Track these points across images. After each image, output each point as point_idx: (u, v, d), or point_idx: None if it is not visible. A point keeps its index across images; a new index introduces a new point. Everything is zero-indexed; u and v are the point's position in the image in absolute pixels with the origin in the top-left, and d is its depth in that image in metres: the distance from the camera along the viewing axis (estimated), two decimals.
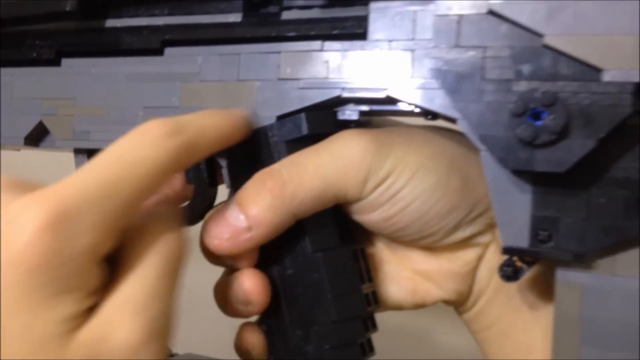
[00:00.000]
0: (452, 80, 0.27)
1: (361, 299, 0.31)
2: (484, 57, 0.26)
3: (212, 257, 0.32)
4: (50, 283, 0.23)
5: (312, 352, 0.31)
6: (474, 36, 0.27)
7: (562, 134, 0.25)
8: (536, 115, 0.25)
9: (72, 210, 0.23)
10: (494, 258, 0.33)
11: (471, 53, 0.27)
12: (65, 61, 0.36)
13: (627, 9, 0.24)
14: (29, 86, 0.36)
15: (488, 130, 0.26)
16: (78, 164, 0.37)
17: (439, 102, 0.28)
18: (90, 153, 0.37)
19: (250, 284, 0.31)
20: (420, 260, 0.34)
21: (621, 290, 0.27)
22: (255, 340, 0.32)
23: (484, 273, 0.33)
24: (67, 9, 0.33)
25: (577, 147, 0.25)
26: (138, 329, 0.24)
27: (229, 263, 0.32)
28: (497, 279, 0.33)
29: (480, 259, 0.33)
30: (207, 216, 0.35)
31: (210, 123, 0.28)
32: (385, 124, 0.34)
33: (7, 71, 0.37)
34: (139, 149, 0.26)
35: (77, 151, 0.37)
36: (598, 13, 0.24)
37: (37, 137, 0.37)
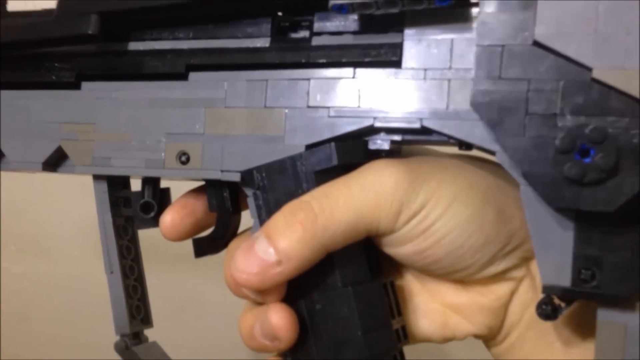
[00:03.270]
0: (494, 114, 0.26)
1: (392, 336, 0.30)
2: (528, 90, 0.25)
3: (238, 290, 0.31)
4: None
5: None
6: (518, 68, 0.26)
7: (612, 172, 0.24)
8: (584, 152, 0.24)
9: None
10: (527, 292, 0.32)
11: (515, 85, 0.26)
12: (85, 85, 0.35)
13: None
14: (47, 110, 0.35)
15: (532, 167, 0.25)
16: (97, 191, 0.36)
17: (477, 134, 0.27)
18: (111, 180, 0.36)
19: (278, 320, 0.30)
20: (451, 294, 0.33)
21: None
22: None
23: (516, 308, 0.32)
24: (90, 32, 0.32)
25: (627, 186, 0.24)
26: None
27: (255, 297, 0.31)
28: (529, 314, 0.32)
29: (513, 293, 0.32)
30: (230, 245, 0.34)
31: None
32: (415, 152, 0.33)
33: (24, 94, 0.36)
34: None
35: (97, 177, 0.36)
36: None
37: (55, 162, 0.36)
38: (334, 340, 0.30)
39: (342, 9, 0.28)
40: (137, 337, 0.36)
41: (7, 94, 0.36)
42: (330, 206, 0.29)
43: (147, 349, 0.36)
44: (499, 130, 0.26)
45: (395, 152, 0.32)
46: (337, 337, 0.30)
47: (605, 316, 0.26)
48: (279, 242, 0.29)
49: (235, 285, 0.31)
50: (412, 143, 0.32)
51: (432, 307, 0.33)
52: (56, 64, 0.35)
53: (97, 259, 0.81)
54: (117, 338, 0.36)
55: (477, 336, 0.33)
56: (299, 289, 0.31)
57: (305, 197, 0.30)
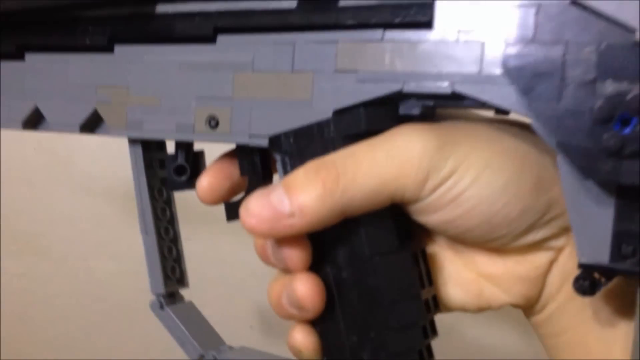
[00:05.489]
0: (527, 79, 0.24)
1: (421, 306, 0.30)
2: (564, 54, 0.23)
3: (264, 255, 0.31)
4: None
5: (368, 359, 0.30)
6: (554, 30, 0.24)
7: None
8: (624, 122, 0.22)
9: None
10: (567, 262, 0.30)
11: (550, 49, 0.24)
12: (118, 48, 0.35)
13: None
14: (83, 73, 0.36)
15: (567, 137, 0.24)
16: (132, 154, 0.36)
17: (513, 99, 0.26)
18: (145, 142, 0.36)
19: (304, 289, 0.29)
20: (486, 263, 0.31)
21: None
22: (308, 341, 0.31)
23: (555, 278, 0.31)
24: None
25: None
26: None
27: (276, 262, 0.30)
28: (570, 286, 0.30)
29: (552, 263, 0.30)
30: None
31: None
32: (451, 115, 0.32)
33: (62, 57, 0.36)
34: None
35: (132, 141, 0.36)
36: None
37: (92, 124, 0.36)
38: (361, 309, 0.30)
39: None
40: (173, 296, 0.37)
41: (46, 56, 0.37)
42: (354, 168, 0.28)
43: (181, 308, 0.36)
44: (532, 97, 0.24)
45: (428, 116, 0.31)
46: (364, 306, 0.30)
47: None
48: (296, 195, 0.28)
49: (260, 251, 0.31)
50: (446, 106, 0.30)
51: (466, 276, 0.32)
52: (90, 28, 0.35)
53: (97, 259, 0.76)
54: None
55: (513, 305, 0.32)
56: (326, 256, 0.30)
57: (330, 156, 0.29)
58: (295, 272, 0.30)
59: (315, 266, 0.30)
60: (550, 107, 0.24)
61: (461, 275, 0.32)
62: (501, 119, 0.30)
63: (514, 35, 0.25)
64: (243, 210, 0.29)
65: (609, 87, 0.23)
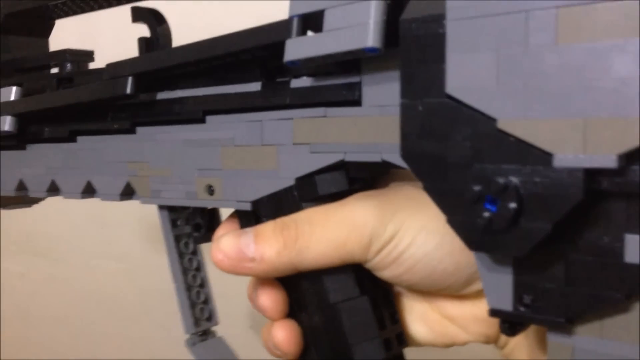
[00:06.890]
0: (420, 164, 0.27)
1: (379, 346, 0.33)
2: (446, 141, 0.26)
3: (252, 303, 0.36)
4: None
5: None
6: (436, 121, 0.26)
7: (516, 220, 0.24)
8: (493, 201, 0.25)
9: None
10: None
11: (435, 137, 0.27)
12: (139, 129, 0.42)
13: (576, 93, 0.23)
14: (117, 151, 0.43)
15: (452, 213, 0.26)
16: (161, 216, 0.43)
17: None
18: (170, 208, 0.43)
19: (281, 336, 0.34)
20: (447, 305, 0.35)
21: (610, 355, 0.26)
22: None
23: None
24: (128, 92, 0.39)
25: (533, 232, 0.24)
26: None
27: (259, 310, 0.36)
28: None
29: None
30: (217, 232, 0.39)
31: None
32: (401, 175, 0.35)
33: (101, 139, 0.44)
34: None
35: (160, 207, 0.43)
36: (548, 97, 0.23)
37: (128, 193, 0.44)
38: (330, 350, 0.34)
39: (294, 63, 0.30)
40: (205, 334, 0.43)
41: (88, 139, 0.45)
42: (310, 232, 0.32)
43: (212, 344, 0.43)
44: (426, 179, 0.27)
45: (381, 174, 0.34)
46: (332, 348, 0.34)
47: (553, 337, 0.27)
48: (261, 244, 0.33)
49: (250, 299, 0.36)
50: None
51: (431, 316, 0.35)
52: (117, 114, 0.42)
53: (97, 260, 0.75)
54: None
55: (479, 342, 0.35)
56: (301, 304, 0.35)
57: (295, 216, 0.34)
58: (273, 320, 0.35)
59: (292, 313, 0.35)
60: (440, 187, 0.27)
61: (427, 315, 0.35)
62: None
63: (405, 127, 0.28)
64: (214, 244, 0.35)
65: (478, 170, 0.25)
